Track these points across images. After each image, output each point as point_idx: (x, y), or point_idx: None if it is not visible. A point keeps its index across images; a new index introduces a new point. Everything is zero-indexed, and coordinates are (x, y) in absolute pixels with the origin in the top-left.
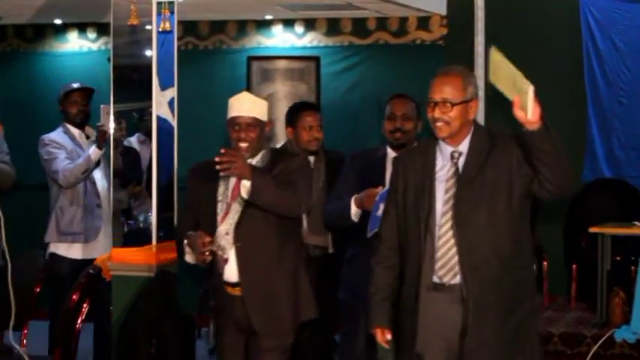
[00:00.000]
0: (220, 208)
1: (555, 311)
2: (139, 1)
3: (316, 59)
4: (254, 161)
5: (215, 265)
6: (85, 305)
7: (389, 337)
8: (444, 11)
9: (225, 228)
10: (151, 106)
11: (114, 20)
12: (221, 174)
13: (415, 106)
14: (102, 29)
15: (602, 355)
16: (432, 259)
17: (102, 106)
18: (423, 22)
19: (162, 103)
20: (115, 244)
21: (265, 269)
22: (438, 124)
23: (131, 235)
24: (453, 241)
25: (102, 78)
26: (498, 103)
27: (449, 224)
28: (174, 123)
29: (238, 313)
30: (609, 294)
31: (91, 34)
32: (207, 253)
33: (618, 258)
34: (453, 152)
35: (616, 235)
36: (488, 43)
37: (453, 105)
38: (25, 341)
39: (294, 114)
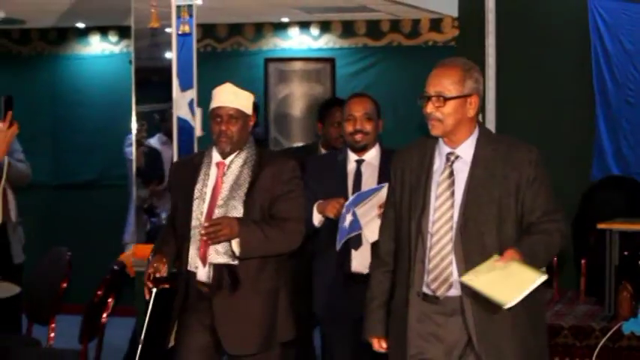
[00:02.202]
0: (197, 205)
1: (565, 305)
2: (159, 5)
3: (331, 61)
4: (239, 159)
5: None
6: (110, 300)
7: (385, 345)
8: (455, 13)
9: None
10: (171, 107)
11: (135, 24)
12: (196, 190)
13: (375, 105)
14: (123, 32)
15: (611, 347)
16: (422, 263)
17: None
18: (435, 23)
19: (182, 104)
20: (138, 241)
21: (243, 287)
22: (431, 120)
23: (153, 232)
24: (450, 257)
25: (124, 80)
26: (510, 104)
27: (447, 238)
28: (194, 123)
29: (206, 316)
30: (617, 288)
31: (113, 38)
32: (149, 287)
33: (626, 253)
34: (448, 154)
35: (624, 231)
36: (499, 43)
37: (446, 99)
38: (52, 335)
39: (324, 110)
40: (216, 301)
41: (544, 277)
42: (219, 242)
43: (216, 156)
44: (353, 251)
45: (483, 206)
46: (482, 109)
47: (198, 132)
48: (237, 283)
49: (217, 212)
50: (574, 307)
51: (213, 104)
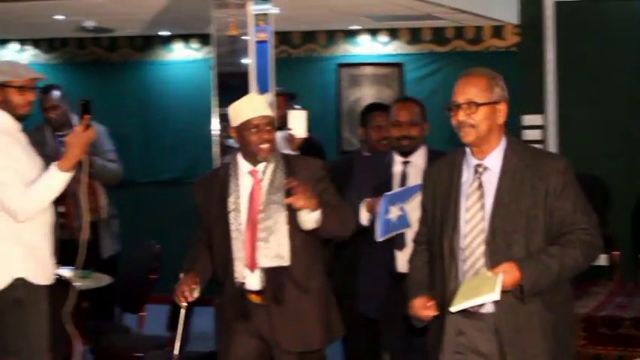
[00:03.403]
0: (234, 217)
1: (626, 297)
2: (238, 14)
3: (400, 66)
4: (271, 165)
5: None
6: None
7: (431, 303)
8: (516, 20)
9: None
10: None
11: (215, 31)
12: (233, 188)
13: (420, 109)
14: (204, 40)
15: None
16: (455, 279)
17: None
18: (497, 30)
19: None
20: None
21: (294, 287)
22: (464, 128)
23: None
24: (483, 272)
25: (205, 84)
26: (571, 108)
27: (479, 251)
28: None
29: (261, 322)
30: None
31: (195, 45)
32: (183, 302)
33: None
34: (477, 166)
35: None
36: (559, 49)
37: (478, 105)
38: (142, 322)
39: (364, 114)
40: (271, 304)
41: (495, 297)
42: (302, 206)
43: (245, 165)
44: (397, 252)
45: (511, 217)
46: (542, 111)
47: (303, 134)
48: (290, 284)
49: (261, 217)
50: (634, 299)
51: (247, 115)
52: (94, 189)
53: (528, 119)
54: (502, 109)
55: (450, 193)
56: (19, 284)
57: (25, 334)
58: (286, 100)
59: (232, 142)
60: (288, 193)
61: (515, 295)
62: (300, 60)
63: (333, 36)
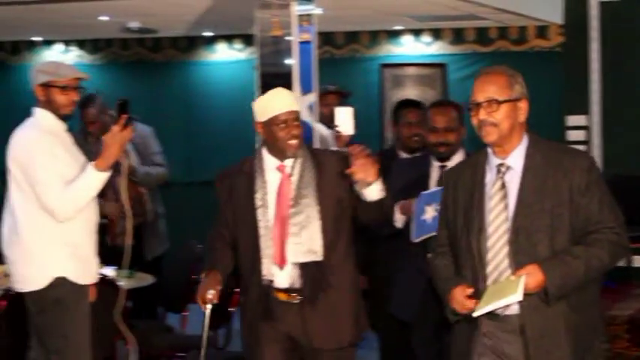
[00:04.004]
0: (262, 213)
1: None
2: (281, 14)
3: (443, 66)
4: (299, 159)
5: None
6: (237, 290)
7: (470, 290)
8: (560, 20)
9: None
10: None
11: (258, 32)
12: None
13: (457, 113)
14: (248, 40)
15: None
16: (484, 282)
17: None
18: (541, 30)
19: (303, 107)
20: None
21: (327, 283)
22: (485, 127)
23: None
24: (508, 273)
25: (248, 84)
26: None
27: (503, 254)
28: (314, 125)
29: (289, 321)
30: None
31: (238, 45)
32: (206, 306)
33: None
34: (499, 165)
35: None
36: (604, 49)
37: (499, 103)
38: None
39: (397, 111)
40: (304, 300)
41: (517, 298)
42: (365, 179)
43: (271, 161)
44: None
45: (535, 216)
46: (587, 111)
47: (350, 131)
48: (323, 280)
49: (292, 212)
50: None
51: (275, 111)
52: (139, 194)
53: (573, 120)
54: (523, 106)
55: (473, 195)
56: (60, 283)
57: (66, 333)
58: (339, 98)
59: None
60: (319, 187)
61: (540, 297)
62: (343, 60)
63: (376, 36)
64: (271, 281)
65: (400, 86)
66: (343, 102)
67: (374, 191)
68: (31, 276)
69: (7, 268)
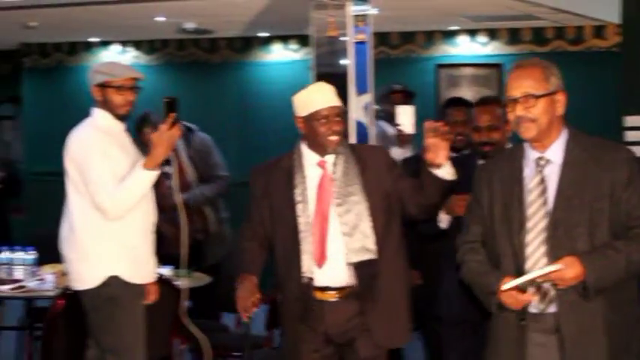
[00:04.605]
0: (301, 209)
1: None
2: (336, 15)
3: (499, 66)
4: (341, 155)
5: (294, 265)
6: None
7: (517, 281)
8: (618, 20)
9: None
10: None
11: (314, 32)
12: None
13: (501, 111)
14: (303, 40)
15: None
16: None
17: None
18: (598, 30)
19: (358, 107)
20: None
21: (382, 278)
22: (523, 123)
23: None
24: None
25: (304, 85)
26: None
27: (542, 249)
28: (370, 126)
29: (330, 320)
30: None
31: (294, 45)
32: (247, 316)
33: None
34: (538, 159)
35: None
36: None
37: (536, 98)
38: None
39: (444, 110)
40: (360, 297)
41: (554, 268)
42: (442, 161)
43: (311, 156)
44: None
45: (574, 211)
46: None
47: (411, 130)
48: (378, 277)
49: (341, 211)
50: None
51: (316, 105)
52: (201, 211)
53: (631, 120)
54: (561, 99)
55: (512, 190)
56: (113, 282)
57: (119, 332)
58: (405, 97)
59: None
60: (365, 183)
61: (578, 291)
62: (399, 61)
63: (432, 37)
64: (310, 279)
65: (456, 87)
66: (409, 101)
67: (449, 174)
68: (85, 274)
69: (65, 266)
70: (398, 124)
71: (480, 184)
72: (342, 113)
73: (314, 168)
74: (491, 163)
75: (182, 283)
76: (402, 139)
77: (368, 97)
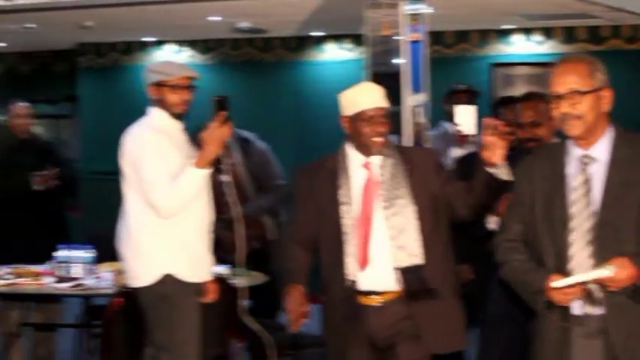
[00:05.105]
0: (346, 210)
1: None
2: (390, 14)
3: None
4: (387, 157)
5: (338, 266)
6: None
7: (567, 280)
8: None
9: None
10: (403, 110)
11: (368, 31)
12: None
13: (545, 106)
14: (357, 40)
15: None
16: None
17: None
18: None
19: (413, 106)
20: None
21: (430, 283)
22: (569, 120)
23: None
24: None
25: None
26: None
27: (588, 250)
28: (425, 125)
29: (373, 325)
30: None
31: (348, 45)
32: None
33: None
34: (583, 157)
35: None
36: None
37: (582, 94)
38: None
39: (495, 109)
40: (406, 302)
41: (608, 273)
42: (499, 159)
43: (357, 157)
44: None
45: (622, 211)
46: None
47: (472, 130)
48: (426, 282)
49: (385, 213)
50: None
51: (362, 105)
52: (258, 221)
53: None
54: (606, 95)
55: (554, 187)
56: (168, 280)
57: (172, 330)
58: (469, 96)
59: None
60: (413, 186)
61: (627, 294)
62: (453, 60)
63: (486, 35)
64: (354, 282)
65: (511, 86)
66: (473, 101)
67: (497, 174)
68: (140, 272)
69: (122, 264)
70: (457, 124)
71: (520, 181)
72: (388, 115)
73: (359, 169)
74: (532, 160)
75: (239, 281)
76: (461, 139)
77: (422, 97)
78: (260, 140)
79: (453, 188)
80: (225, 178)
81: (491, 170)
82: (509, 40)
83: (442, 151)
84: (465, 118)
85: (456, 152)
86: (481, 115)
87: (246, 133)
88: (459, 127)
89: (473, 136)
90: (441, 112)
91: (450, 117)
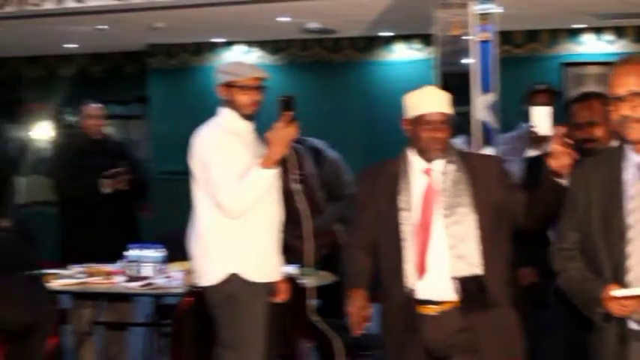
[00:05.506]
0: (405, 216)
1: None
2: (460, 14)
3: None
4: (450, 163)
5: (396, 274)
6: None
7: (629, 291)
8: None
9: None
10: (473, 110)
11: (437, 31)
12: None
13: (601, 105)
14: (426, 40)
15: None
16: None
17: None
18: None
19: (482, 107)
20: None
21: (489, 293)
22: (629, 123)
23: None
24: None
25: (426, 84)
26: None
27: None
28: (495, 125)
29: (430, 335)
30: None
31: (417, 45)
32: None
33: None
34: None
35: None
36: None
37: None
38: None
39: (566, 110)
40: (463, 313)
41: None
42: (563, 171)
43: (418, 162)
44: None
45: None
46: None
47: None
48: (487, 295)
49: (445, 222)
50: None
51: (421, 109)
52: (330, 231)
53: None
54: None
55: (611, 195)
56: (234, 280)
57: (237, 329)
58: (549, 97)
59: (457, 142)
60: (475, 194)
61: None
62: (523, 59)
63: (557, 35)
64: (412, 290)
65: (582, 86)
66: (554, 100)
67: (563, 184)
68: (207, 271)
69: (191, 264)
70: (532, 126)
71: (575, 188)
72: (449, 121)
73: (420, 175)
74: (588, 165)
75: (308, 281)
76: (536, 140)
77: (492, 97)
78: (331, 149)
79: (517, 197)
80: (296, 186)
81: (557, 180)
82: (579, 39)
83: (519, 152)
84: (541, 119)
85: (532, 154)
86: (556, 117)
87: (317, 142)
88: (534, 129)
89: (549, 137)
90: (512, 112)
91: (526, 118)
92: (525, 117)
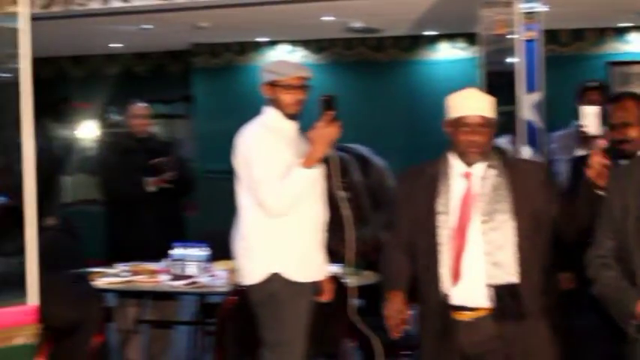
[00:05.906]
0: (443, 220)
1: None
2: (505, 13)
3: None
4: (491, 168)
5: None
6: None
7: None
8: None
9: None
10: (517, 109)
11: (482, 30)
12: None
13: (637, 106)
14: (471, 39)
15: None
16: None
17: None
18: None
19: (527, 106)
20: None
21: (527, 296)
22: None
23: None
24: None
25: (471, 84)
26: None
27: None
28: (540, 125)
29: (465, 340)
30: None
31: (461, 44)
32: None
33: None
34: None
35: None
36: None
37: None
38: None
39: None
40: (498, 320)
41: None
42: (597, 176)
43: (458, 165)
44: None
45: None
46: None
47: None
48: (521, 304)
49: (483, 228)
50: None
51: (461, 111)
52: (375, 238)
53: None
54: None
55: None
56: (275, 279)
57: (278, 328)
58: (602, 94)
59: (501, 142)
60: (515, 201)
61: None
62: (568, 59)
63: (603, 34)
64: (447, 295)
65: (629, 85)
66: (606, 98)
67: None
68: (249, 270)
69: (235, 263)
70: (581, 126)
71: (612, 194)
72: (489, 125)
73: (459, 178)
74: (625, 171)
75: (350, 281)
76: (585, 140)
77: (537, 96)
78: (376, 156)
79: (559, 208)
80: (340, 193)
81: (597, 192)
82: (626, 38)
83: (570, 151)
84: (591, 118)
85: (581, 153)
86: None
87: (363, 150)
88: (584, 128)
89: (598, 137)
90: (557, 112)
91: (579, 115)
92: (576, 115)
